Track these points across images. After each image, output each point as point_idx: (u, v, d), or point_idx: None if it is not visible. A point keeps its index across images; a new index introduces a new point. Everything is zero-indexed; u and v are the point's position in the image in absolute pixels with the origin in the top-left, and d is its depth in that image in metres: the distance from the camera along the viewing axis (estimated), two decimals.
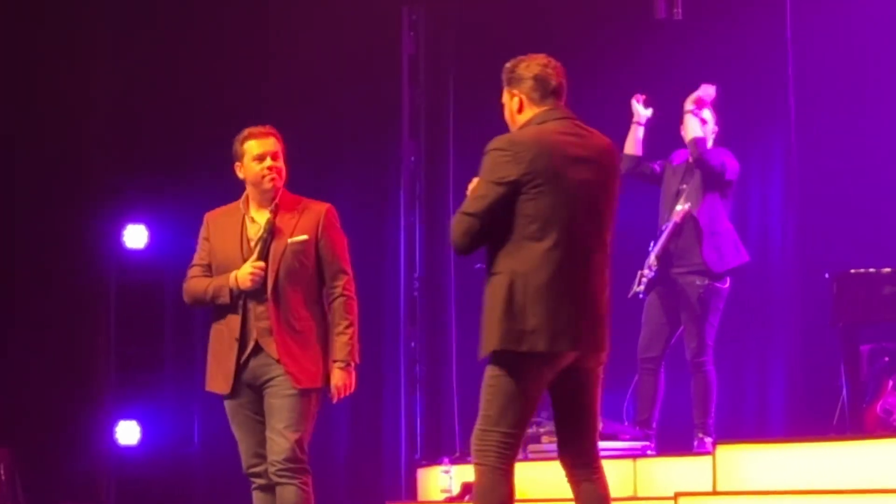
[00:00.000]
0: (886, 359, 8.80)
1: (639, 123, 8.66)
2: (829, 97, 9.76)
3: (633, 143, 8.67)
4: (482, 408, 5.25)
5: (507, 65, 5.43)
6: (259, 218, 6.35)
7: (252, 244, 6.31)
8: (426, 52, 11.26)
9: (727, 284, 8.48)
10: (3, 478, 9.36)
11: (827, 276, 8.65)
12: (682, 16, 9.54)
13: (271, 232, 6.28)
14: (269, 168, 6.31)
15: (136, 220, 10.67)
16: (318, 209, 6.38)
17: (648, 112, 8.67)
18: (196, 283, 6.39)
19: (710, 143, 8.58)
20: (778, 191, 10.08)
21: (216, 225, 6.44)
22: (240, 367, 6.26)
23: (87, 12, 10.40)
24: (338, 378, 6.27)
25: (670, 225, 8.47)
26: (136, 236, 10.66)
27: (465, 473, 8.83)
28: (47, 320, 10.25)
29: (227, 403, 6.34)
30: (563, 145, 5.23)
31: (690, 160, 8.53)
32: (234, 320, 6.27)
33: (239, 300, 6.26)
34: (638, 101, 8.69)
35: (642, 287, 8.49)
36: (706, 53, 10.05)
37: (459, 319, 10.82)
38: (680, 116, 8.59)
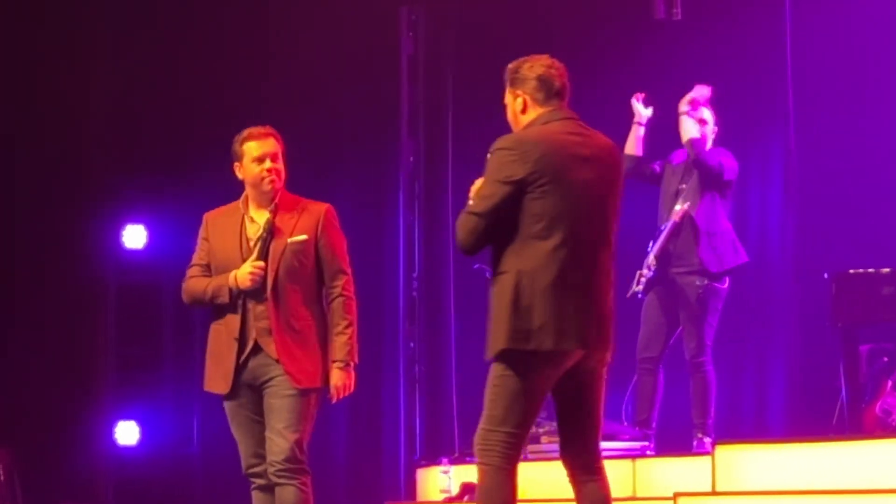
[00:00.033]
0: (885, 359, 8.80)
1: (639, 124, 8.65)
2: (829, 97, 9.76)
3: (634, 143, 8.66)
4: (487, 407, 5.24)
5: (510, 65, 5.44)
6: (258, 218, 6.35)
7: (251, 244, 6.31)
8: (425, 52, 11.26)
9: (726, 285, 8.48)
10: (2, 478, 9.36)
11: (826, 276, 8.66)
12: (682, 16, 9.53)
13: (271, 232, 6.28)
14: (269, 170, 6.31)
15: (135, 221, 10.67)
16: (318, 209, 6.38)
17: (649, 111, 8.66)
18: (195, 283, 6.39)
19: (709, 143, 8.58)
20: (777, 191, 10.08)
21: (215, 225, 6.44)
22: (239, 367, 6.25)
23: (87, 12, 10.40)
24: (337, 378, 6.27)
25: (669, 225, 8.47)
26: (135, 236, 10.66)
27: (464, 474, 8.83)
28: (46, 320, 10.25)
29: (226, 404, 6.34)
30: (568, 145, 5.25)
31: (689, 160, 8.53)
32: (233, 320, 6.27)
33: (238, 300, 6.26)
34: (638, 100, 8.69)
35: (641, 287, 8.49)
36: (705, 54, 10.05)
37: (458, 319, 10.83)
38: (677, 117, 8.59)
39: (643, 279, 8.49)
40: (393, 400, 10.90)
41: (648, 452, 8.48)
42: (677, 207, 8.47)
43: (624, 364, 8.26)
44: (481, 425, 5.26)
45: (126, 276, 10.61)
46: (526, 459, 8.34)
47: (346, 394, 6.33)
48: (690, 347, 8.43)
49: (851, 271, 8.59)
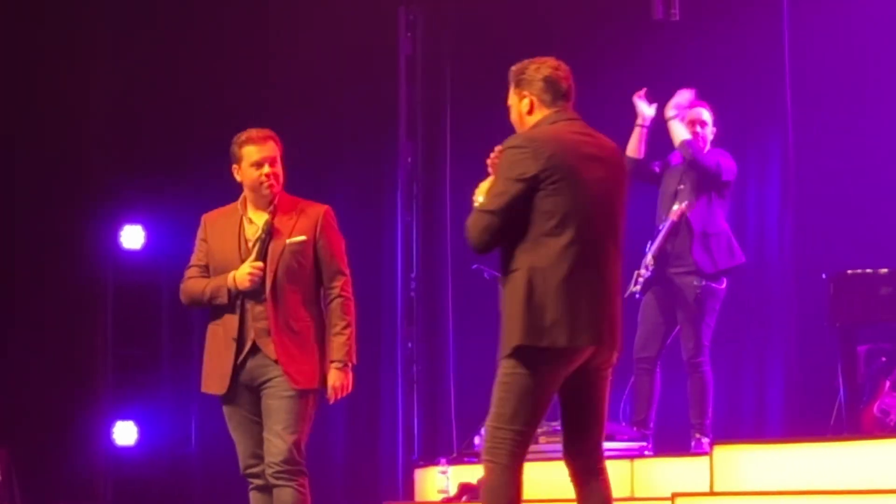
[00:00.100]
0: (883, 359, 8.81)
1: (642, 126, 8.61)
2: (827, 97, 9.76)
3: (636, 145, 8.62)
4: (495, 405, 5.23)
5: (515, 67, 5.47)
6: (257, 219, 6.35)
7: (250, 245, 6.31)
8: (423, 53, 11.26)
9: (724, 285, 8.48)
10: (0, 478, 9.36)
11: (824, 276, 8.65)
12: (680, 16, 9.53)
13: (269, 233, 6.28)
14: (268, 175, 6.31)
15: (133, 221, 10.67)
16: (316, 210, 6.38)
17: (652, 111, 8.59)
18: (194, 284, 6.39)
19: (709, 145, 8.57)
20: (775, 191, 10.08)
21: (214, 226, 6.44)
22: (237, 368, 6.26)
23: (87, 12, 10.40)
24: (335, 378, 6.27)
25: (667, 224, 8.47)
26: (133, 237, 10.66)
27: (462, 474, 8.84)
28: (44, 321, 10.25)
29: (224, 404, 6.34)
30: (578, 144, 5.29)
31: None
32: (231, 320, 6.27)
33: (236, 301, 6.26)
34: (640, 99, 8.65)
35: (639, 287, 8.49)
36: (703, 54, 10.05)
37: (456, 319, 10.83)
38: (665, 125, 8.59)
39: (641, 279, 8.49)
40: (391, 400, 10.90)
41: (646, 453, 8.48)
42: (675, 207, 8.47)
43: (621, 364, 8.24)
44: (489, 423, 5.24)
45: (124, 277, 10.61)
46: (524, 460, 8.34)
47: (344, 394, 6.33)
48: (688, 348, 8.44)
49: (849, 272, 8.59)
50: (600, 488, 5.34)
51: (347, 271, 6.40)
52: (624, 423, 8.73)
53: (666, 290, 8.52)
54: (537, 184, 5.17)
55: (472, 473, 8.68)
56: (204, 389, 6.39)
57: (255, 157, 6.31)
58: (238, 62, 10.53)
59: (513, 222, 5.19)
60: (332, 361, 6.28)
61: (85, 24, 10.41)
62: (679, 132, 8.48)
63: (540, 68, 5.41)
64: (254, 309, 6.25)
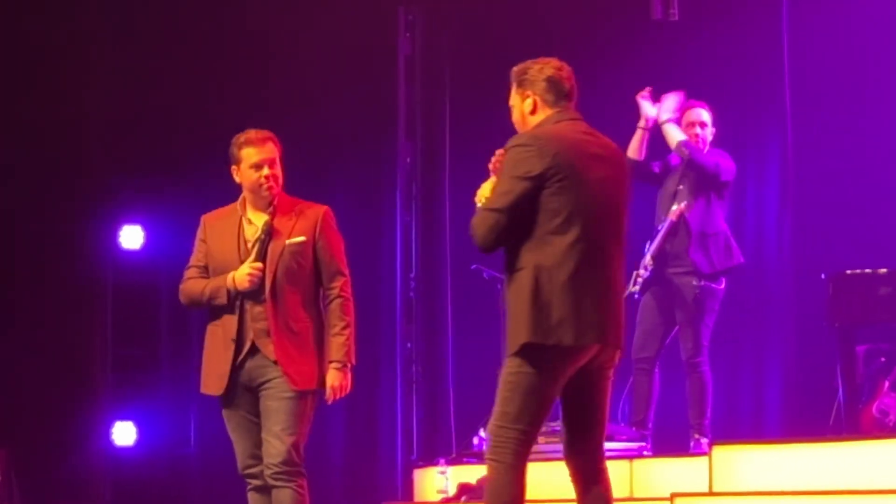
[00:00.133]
0: (882, 359, 8.81)
1: (644, 129, 8.61)
2: (826, 98, 9.77)
3: (637, 147, 8.60)
4: (500, 404, 5.23)
5: (517, 67, 5.48)
6: (256, 220, 6.35)
7: (249, 246, 6.31)
8: (422, 53, 11.26)
9: (722, 285, 8.49)
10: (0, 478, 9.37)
11: (823, 276, 8.66)
12: (679, 16, 9.54)
13: (269, 233, 6.28)
14: (267, 177, 6.30)
15: (132, 221, 10.66)
16: (316, 211, 6.38)
17: (655, 111, 8.58)
18: (193, 285, 6.38)
19: (708, 145, 8.57)
20: (774, 191, 10.09)
21: (213, 226, 6.43)
22: (235, 368, 6.25)
23: (87, 12, 10.39)
24: (333, 378, 6.27)
25: (666, 224, 8.48)
26: (132, 237, 10.65)
27: (461, 474, 8.83)
28: (43, 320, 10.24)
29: (222, 405, 6.34)
30: (582, 143, 5.31)
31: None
32: (230, 321, 6.27)
33: (236, 301, 6.26)
34: (645, 99, 8.63)
35: (637, 287, 8.49)
36: (702, 54, 10.06)
37: (455, 319, 10.83)
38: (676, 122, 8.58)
39: (640, 279, 8.49)
40: (390, 400, 10.90)
41: (645, 453, 8.48)
42: (674, 207, 8.47)
43: (620, 365, 8.24)
44: (494, 421, 5.24)
45: (123, 277, 10.59)
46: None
47: (342, 395, 6.33)
48: (687, 348, 8.44)
49: (848, 272, 8.59)
50: (601, 489, 5.34)
51: (347, 272, 6.40)
52: (623, 424, 8.73)
53: (665, 291, 8.52)
54: (543, 182, 5.18)
55: (472, 474, 8.68)
56: (203, 390, 6.38)
57: (254, 158, 6.31)
58: (238, 62, 10.53)
59: (518, 221, 5.19)
60: (331, 362, 6.28)
61: (84, 23, 10.40)
62: (674, 134, 8.48)
63: (543, 69, 5.42)
64: (253, 310, 6.25)
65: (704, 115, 8.58)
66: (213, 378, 6.31)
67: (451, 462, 9.10)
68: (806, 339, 9.51)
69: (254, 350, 6.24)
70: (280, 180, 6.36)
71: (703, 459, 7.69)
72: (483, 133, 9.70)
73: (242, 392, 6.28)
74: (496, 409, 5.24)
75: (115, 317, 10.57)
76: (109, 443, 10.40)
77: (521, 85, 5.44)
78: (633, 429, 8.57)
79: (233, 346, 6.24)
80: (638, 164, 8.58)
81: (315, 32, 10.56)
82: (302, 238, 6.29)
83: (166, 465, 10.53)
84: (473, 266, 9.71)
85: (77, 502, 10.07)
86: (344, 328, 6.31)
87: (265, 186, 6.31)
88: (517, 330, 5.18)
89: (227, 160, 6.41)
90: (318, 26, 10.58)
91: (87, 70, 10.32)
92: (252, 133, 6.36)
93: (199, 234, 6.46)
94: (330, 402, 6.37)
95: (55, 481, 10.01)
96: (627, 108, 8.75)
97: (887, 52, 9.67)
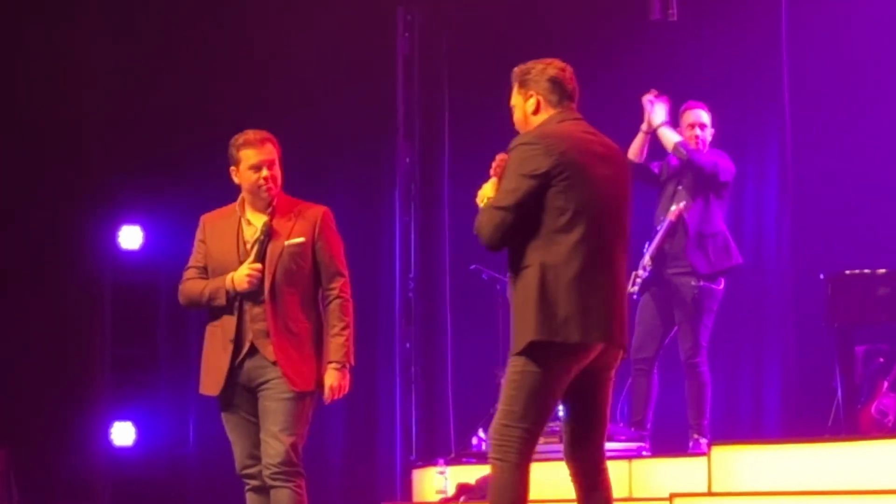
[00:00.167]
0: (881, 360, 8.81)
1: (646, 132, 8.60)
2: (825, 98, 9.77)
3: (638, 149, 8.60)
4: (505, 402, 5.22)
5: (519, 67, 5.48)
6: (255, 220, 6.34)
7: (248, 246, 6.30)
8: (421, 53, 11.27)
9: (721, 286, 8.49)
10: None
11: (822, 277, 8.66)
12: (677, 17, 9.54)
13: (268, 234, 6.28)
14: (266, 178, 6.30)
15: (131, 221, 10.67)
16: (315, 212, 6.37)
17: (658, 116, 8.54)
18: (192, 285, 6.38)
19: (707, 146, 8.57)
20: (773, 191, 10.09)
21: (212, 227, 6.43)
22: (234, 369, 6.25)
23: (87, 12, 10.39)
24: (332, 378, 6.26)
25: (665, 224, 8.48)
26: (131, 237, 10.66)
27: (460, 474, 8.84)
28: (43, 321, 10.24)
29: (221, 405, 6.33)
30: (586, 143, 5.32)
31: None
32: (229, 322, 6.26)
33: (235, 302, 6.25)
34: (652, 102, 8.59)
35: (636, 287, 8.49)
36: (701, 54, 10.06)
37: (454, 320, 10.83)
38: (673, 122, 8.57)
39: (639, 280, 8.49)
40: (389, 400, 10.90)
41: (644, 453, 8.48)
42: (673, 208, 8.48)
43: (619, 365, 8.27)
44: (498, 420, 5.23)
45: (122, 277, 10.60)
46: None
47: (340, 395, 6.32)
48: (686, 348, 8.44)
49: (847, 272, 8.59)
50: (601, 488, 5.34)
51: (346, 272, 6.39)
52: (622, 424, 8.73)
53: (663, 291, 8.52)
54: (549, 180, 5.18)
55: (470, 474, 8.69)
56: (202, 391, 6.37)
57: (252, 160, 6.30)
58: (238, 62, 10.54)
59: (524, 219, 5.19)
60: (329, 362, 6.27)
61: (84, 23, 10.40)
62: (670, 137, 8.49)
63: (546, 69, 5.43)
64: (252, 310, 6.24)
65: (704, 116, 8.59)
66: (211, 379, 6.30)
67: (450, 462, 9.11)
68: (805, 339, 9.52)
69: (253, 351, 6.23)
70: (279, 181, 6.35)
71: (702, 460, 7.69)
72: (482, 133, 9.72)
73: (241, 392, 6.27)
74: (501, 407, 5.24)
75: (115, 317, 10.57)
76: (108, 443, 10.41)
77: (523, 85, 5.45)
78: (632, 429, 8.58)
79: (231, 347, 6.24)
80: (638, 166, 8.59)
81: (314, 33, 10.57)
82: (301, 239, 6.28)
83: (165, 466, 10.54)
84: (472, 266, 9.72)
85: (76, 502, 10.07)
86: (343, 329, 6.30)
87: (264, 188, 6.30)
88: (523, 328, 5.17)
89: (226, 160, 6.40)
90: (317, 27, 10.58)
91: (87, 70, 10.33)
92: (251, 134, 6.35)
93: (199, 234, 6.46)
94: (328, 403, 6.36)
95: (54, 481, 10.01)
96: (626, 108, 8.76)
97: (886, 52, 9.67)
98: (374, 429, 10.88)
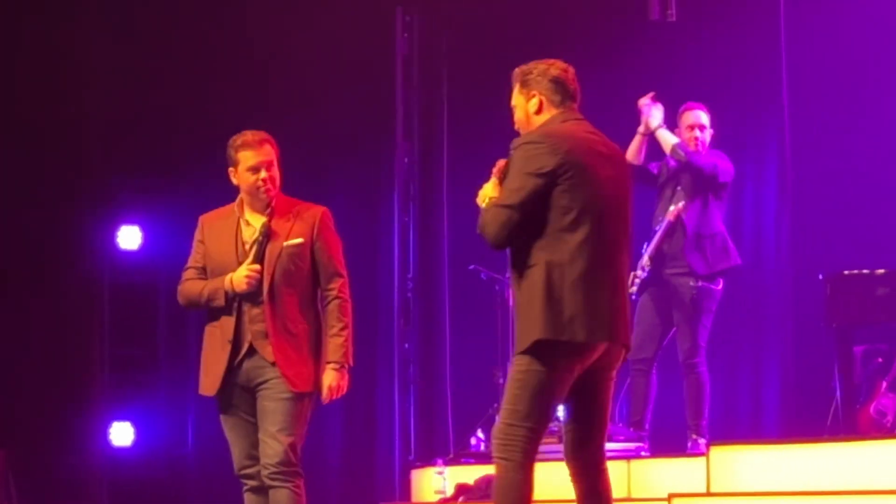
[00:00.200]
0: (880, 360, 8.82)
1: (643, 134, 8.60)
2: (823, 98, 9.77)
3: (636, 151, 8.59)
4: (508, 402, 5.22)
5: (521, 68, 5.48)
6: (254, 221, 6.34)
7: (247, 247, 6.30)
8: (420, 54, 11.27)
9: (720, 286, 8.49)
10: None
11: (821, 277, 8.66)
12: (676, 17, 9.54)
13: (266, 235, 6.28)
14: (264, 180, 6.30)
15: (130, 222, 10.67)
16: (314, 212, 6.37)
17: (657, 120, 8.54)
18: (191, 286, 6.38)
19: (706, 147, 8.58)
20: (772, 192, 10.09)
21: (211, 227, 6.43)
22: (233, 369, 6.25)
23: (87, 12, 10.39)
24: (330, 378, 6.26)
25: (663, 225, 8.49)
26: (130, 237, 10.66)
27: (458, 474, 8.84)
28: (42, 321, 10.24)
29: (219, 405, 6.33)
30: (589, 142, 5.33)
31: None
32: (227, 322, 6.26)
33: (233, 303, 6.25)
34: (650, 106, 8.58)
35: (635, 288, 8.49)
36: (700, 55, 10.06)
37: (453, 320, 10.84)
38: (672, 124, 8.58)
39: (637, 280, 8.50)
40: (388, 401, 10.90)
41: (643, 453, 8.48)
42: (671, 208, 8.48)
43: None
44: (503, 420, 5.23)
45: (121, 277, 10.60)
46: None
47: (339, 395, 6.32)
48: (684, 349, 8.44)
49: (846, 272, 8.60)
50: (601, 488, 5.35)
51: (345, 273, 6.39)
52: (620, 424, 8.73)
53: (662, 291, 8.52)
54: (554, 179, 5.18)
55: (469, 474, 8.69)
56: (201, 391, 6.37)
57: (251, 161, 6.29)
58: (237, 62, 10.54)
59: (529, 217, 5.19)
60: (328, 362, 6.27)
61: (84, 23, 10.40)
62: (668, 139, 8.49)
63: (549, 69, 5.43)
64: (250, 311, 6.24)
65: (703, 117, 8.59)
66: (210, 379, 6.31)
67: (449, 462, 9.11)
68: (804, 339, 9.52)
69: (251, 351, 6.23)
70: (277, 182, 6.35)
71: (701, 460, 7.69)
72: (481, 134, 9.74)
73: (240, 393, 6.27)
74: (505, 406, 5.24)
75: (113, 317, 10.57)
76: (107, 443, 10.41)
77: (525, 85, 5.45)
78: (631, 429, 8.58)
79: (229, 348, 6.23)
80: (636, 168, 8.59)
81: (314, 33, 10.57)
82: (300, 240, 6.28)
83: (164, 466, 10.54)
84: (471, 267, 9.72)
85: (75, 502, 10.07)
86: (342, 329, 6.30)
87: (262, 189, 6.30)
88: (529, 327, 5.17)
89: (224, 161, 6.40)
90: (317, 27, 10.58)
91: (87, 70, 10.33)
92: (249, 135, 6.34)
93: (197, 234, 6.46)
94: (326, 403, 6.36)
95: (53, 481, 10.01)
96: (626, 108, 8.76)
97: (885, 52, 9.68)
98: (372, 429, 10.88)
